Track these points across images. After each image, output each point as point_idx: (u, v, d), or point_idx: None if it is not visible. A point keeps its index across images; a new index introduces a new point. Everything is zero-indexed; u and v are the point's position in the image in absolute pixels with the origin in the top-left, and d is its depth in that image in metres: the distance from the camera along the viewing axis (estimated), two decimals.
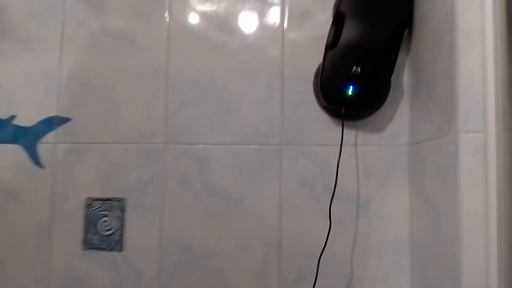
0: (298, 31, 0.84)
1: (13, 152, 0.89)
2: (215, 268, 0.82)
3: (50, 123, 0.88)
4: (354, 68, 0.73)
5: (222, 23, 0.86)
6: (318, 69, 0.79)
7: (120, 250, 0.84)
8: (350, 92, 0.73)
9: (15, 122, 0.90)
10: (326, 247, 0.76)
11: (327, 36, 0.77)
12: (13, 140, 0.90)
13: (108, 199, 0.85)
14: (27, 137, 0.89)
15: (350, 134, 0.79)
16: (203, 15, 0.87)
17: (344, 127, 0.77)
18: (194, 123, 0.85)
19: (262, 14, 0.85)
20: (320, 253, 0.76)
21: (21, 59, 0.91)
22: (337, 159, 0.76)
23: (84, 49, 0.89)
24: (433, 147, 0.64)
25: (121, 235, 0.84)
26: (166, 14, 0.87)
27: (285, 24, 0.84)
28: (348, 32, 0.74)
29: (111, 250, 0.84)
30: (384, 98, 0.77)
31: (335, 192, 0.78)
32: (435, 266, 0.63)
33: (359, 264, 0.78)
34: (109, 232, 0.85)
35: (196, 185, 0.84)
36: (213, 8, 0.87)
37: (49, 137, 0.88)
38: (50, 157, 0.88)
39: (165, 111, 0.86)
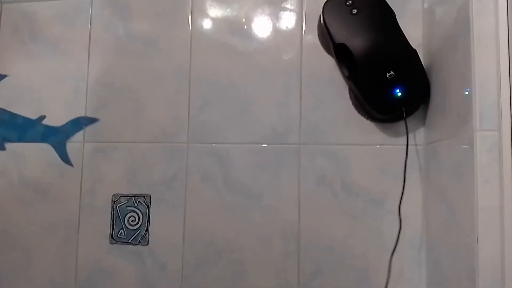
0: (315, 34, 0.87)
1: (42, 151, 0.94)
2: (236, 261, 0.85)
3: (79, 123, 0.93)
4: (387, 74, 0.75)
5: (241, 27, 0.90)
6: (354, 97, 0.82)
7: (146, 244, 0.88)
8: (399, 93, 0.76)
9: (45, 122, 0.95)
10: (343, 241, 0.80)
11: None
12: (43, 139, 0.94)
13: (134, 195, 0.89)
14: (56, 137, 0.93)
15: (369, 134, 0.83)
16: (223, 19, 0.91)
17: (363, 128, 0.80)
18: (215, 123, 0.89)
19: (280, 19, 0.89)
20: (336, 247, 0.80)
21: (50, 61, 0.96)
22: (363, 157, 0.79)
23: (111, 52, 0.94)
24: (449, 146, 0.67)
25: (147, 230, 0.88)
26: (189, 18, 0.91)
27: (303, 28, 0.87)
28: (358, 52, 0.76)
29: (137, 244, 0.88)
30: (428, 87, 0.78)
31: (352, 189, 0.82)
32: (451, 259, 0.65)
33: (375, 259, 0.81)
34: (135, 227, 0.89)
35: (217, 182, 0.87)
36: (233, 13, 0.90)
37: (78, 136, 0.93)
38: (79, 156, 0.92)
39: (187, 112, 0.90)
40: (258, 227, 0.85)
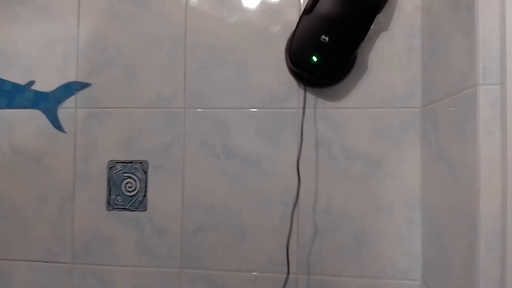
0: None
1: (33, 117, 0.91)
2: (235, 225, 0.86)
3: (70, 88, 0.90)
4: (322, 36, 0.76)
5: None
6: (291, 33, 0.82)
7: (144, 210, 0.87)
8: (315, 59, 0.77)
9: (34, 87, 0.91)
10: (341, 204, 0.82)
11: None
12: (33, 105, 0.91)
13: (130, 162, 0.88)
14: (47, 102, 0.90)
15: (364, 96, 0.83)
16: None
17: (356, 90, 0.80)
18: (212, 88, 0.87)
19: None
20: (336, 210, 0.81)
21: (38, 25, 0.92)
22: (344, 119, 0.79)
23: (102, 15, 0.90)
24: (450, 103, 0.68)
25: (144, 196, 0.87)
26: None
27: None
28: (325, 2, 0.77)
29: (134, 210, 0.88)
30: (346, 71, 0.81)
31: (351, 152, 0.82)
32: (450, 215, 0.67)
33: (373, 219, 0.82)
34: (133, 193, 0.88)
35: (215, 147, 0.87)
36: None
37: (70, 102, 0.90)
38: (71, 122, 0.90)
39: (184, 76, 0.88)
40: (256, 192, 0.85)
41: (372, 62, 0.83)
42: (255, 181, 0.85)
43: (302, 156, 0.84)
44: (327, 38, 0.76)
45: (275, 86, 0.85)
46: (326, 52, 0.77)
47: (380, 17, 0.83)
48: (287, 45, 0.83)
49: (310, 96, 0.84)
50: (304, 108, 0.82)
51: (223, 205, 0.86)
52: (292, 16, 0.85)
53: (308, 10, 0.78)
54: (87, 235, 0.89)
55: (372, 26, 0.81)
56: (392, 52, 0.83)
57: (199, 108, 0.88)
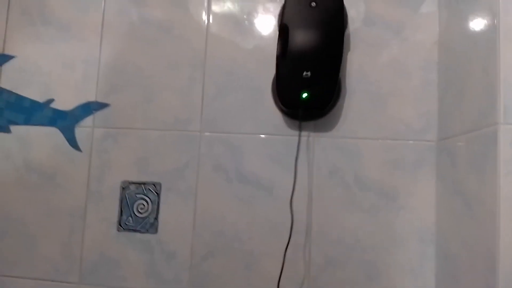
0: None
1: (50, 135, 0.92)
2: (245, 251, 0.85)
3: (89, 108, 0.91)
4: (304, 73, 0.79)
5: (257, 16, 0.90)
6: (273, 79, 0.85)
7: (154, 233, 0.87)
8: (305, 95, 0.79)
9: (53, 105, 0.93)
10: (354, 234, 0.81)
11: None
12: (51, 123, 0.92)
13: (144, 183, 0.88)
14: (65, 121, 0.92)
15: (379, 128, 0.83)
16: (241, 8, 0.90)
17: (372, 121, 0.81)
18: (229, 112, 0.88)
19: None
20: (348, 241, 0.80)
21: (60, 44, 0.94)
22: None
23: (123, 37, 0.92)
24: (467, 140, 0.68)
25: (156, 218, 0.87)
26: (205, 5, 0.91)
27: None
28: (294, 41, 0.81)
29: (145, 232, 0.87)
30: (337, 96, 0.83)
31: (364, 182, 0.82)
32: (466, 252, 0.66)
33: (385, 252, 0.81)
34: (144, 215, 0.87)
35: (229, 171, 0.87)
36: (250, 2, 0.90)
37: (87, 121, 0.91)
38: (88, 141, 0.91)
39: (201, 100, 0.89)
40: (268, 218, 0.85)
41: (387, 94, 0.84)
42: (266, 207, 0.85)
43: (315, 185, 0.84)
44: (309, 73, 0.79)
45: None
46: (313, 85, 0.80)
47: (394, 50, 0.85)
48: (273, 89, 0.86)
49: (324, 125, 0.85)
50: (299, 143, 0.83)
51: (234, 231, 0.85)
52: None
53: (282, 54, 0.82)
54: (96, 255, 0.88)
55: (386, 59, 0.83)
56: (408, 85, 0.84)
57: (215, 132, 0.88)
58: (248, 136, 0.87)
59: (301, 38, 0.81)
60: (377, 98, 0.84)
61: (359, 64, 0.86)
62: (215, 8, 0.91)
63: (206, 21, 0.91)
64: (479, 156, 0.63)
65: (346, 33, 0.84)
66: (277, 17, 0.88)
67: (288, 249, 0.82)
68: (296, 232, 0.83)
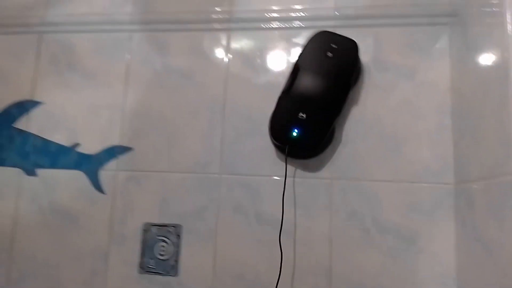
0: None
1: (75, 178, 0.96)
2: None
3: (113, 152, 0.95)
4: (300, 114, 0.83)
5: (273, 64, 0.94)
6: (272, 111, 0.88)
7: (175, 275, 0.88)
8: (294, 134, 0.83)
9: (79, 149, 0.97)
10: (374, 277, 0.81)
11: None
12: (76, 166, 0.96)
13: (165, 225, 0.90)
14: (90, 164, 0.95)
15: (396, 170, 0.85)
16: (258, 57, 0.94)
17: (389, 164, 0.83)
18: (246, 156, 0.91)
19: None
20: (369, 284, 0.80)
21: (86, 91, 0.99)
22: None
23: (147, 84, 0.97)
24: (485, 186, 0.69)
25: (176, 260, 0.88)
26: (224, 55, 0.96)
27: None
28: (300, 82, 0.85)
29: (166, 274, 0.88)
30: (325, 143, 0.86)
31: (383, 225, 0.83)
32: None
33: None
34: (165, 257, 0.89)
35: (248, 214, 0.89)
36: (268, 51, 0.95)
37: (111, 164, 0.95)
38: (111, 184, 0.94)
39: (220, 143, 0.92)
40: (289, 261, 0.85)
41: (403, 137, 0.86)
42: (288, 250, 0.86)
43: (334, 226, 0.85)
44: (304, 115, 0.83)
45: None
46: (305, 128, 0.83)
47: (408, 94, 0.87)
48: (269, 122, 0.89)
49: (343, 167, 0.87)
50: (285, 178, 0.85)
51: (254, 275, 0.86)
52: None
53: (286, 91, 0.86)
54: None
55: (400, 103, 0.86)
56: (423, 128, 0.86)
57: (234, 174, 0.91)
58: (266, 178, 0.89)
59: (307, 81, 0.85)
60: (393, 141, 0.86)
61: (374, 108, 0.88)
62: (233, 56, 0.95)
63: (225, 68, 0.95)
64: (498, 204, 0.64)
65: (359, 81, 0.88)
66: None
67: None
68: (317, 275, 0.84)
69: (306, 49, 0.88)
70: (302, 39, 0.92)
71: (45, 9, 1.05)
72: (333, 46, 0.86)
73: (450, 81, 0.86)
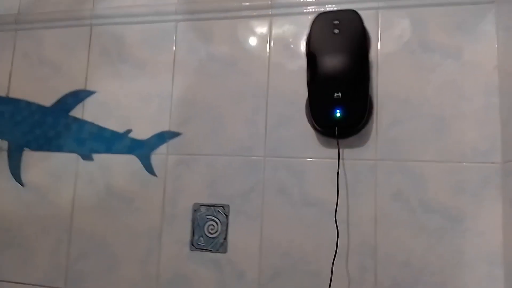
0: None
1: (128, 162, 1.02)
2: (312, 272, 0.88)
3: (163, 137, 1.00)
4: (335, 94, 0.85)
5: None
6: (306, 103, 0.91)
7: (224, 252, 0.93)
8: (338, 114, 0.86)
9: (131, 135, 1.03)
10: (421, 256, 0.83)
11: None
12: (129, 151, 1.02)
13: (213, 205, 0.95)
14: (142, 149, 1.01)
15: (442, 150, 0.85)
16: (299, 44, 0.96)
17: (435, 144, 0.84)
18: (289, 139, 0.94)
19: None
20: (416, 264, 0.82)
21: (137, 80, 1.05)
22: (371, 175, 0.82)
23: (193, 73, 1.01)
24: None
25: (225, 239, 0.93)
26: (267, 42, 0.98)
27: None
28: (322, 66, 0.88)
29: (215, 251, 0.93)
30: (369, 112, 0.88)
31: (429, 205, 0.84)
32: None
33: (453, 275, 0.82)
34: (214, 235, 0.94)
35: (293, 195, 0.92)
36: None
37: (162, 149, 1.00)
38: (162, 167, 0.99)
39: (265, 127, 0.95)
40: (334, 241, 0.87)
41: (450, 117, 0.86)
42: (331, 229, 0.88)
43: (379, 207, 0.86)
44: (339, 94, 0.85)
45: (352, 137, 0.90)
46: (345, 105, 0.86)
47: (454, 74, 0.87)
48: (307, 113, 0.92)
49: (388, 148, 0.88)
50: (338, 159, 0.87)
51: (301, 252, 0.89)
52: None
53: (312, 80, 0.89)
54: (170, 273, 0.95)
55: (447, 83, 0.85)
56: (470, 108, 0.85)
57: (278, 157, 0.94)
58: (309, 161, 0.92)
59: (327, 63, 0.88)
60: (439, 121, 0.87)
61: (419, 89, 0.89)
62: (275, 41, 0.98)
63: (267, 54, 0.98)
64: None
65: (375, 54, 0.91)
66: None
67: (355, 272, 0.85)
68: (363, 254, 0.86)
69: (312, 36, 0.91)
70: None
71: (94, 3, 1.10)
72: (336, 22, 0.88)
73: (497, 60, 0.85)
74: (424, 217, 0.84)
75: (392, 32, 0.92)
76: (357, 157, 0.89)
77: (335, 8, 0.94)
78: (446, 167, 0.85)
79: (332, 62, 0.87)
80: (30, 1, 1.14)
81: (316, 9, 0.95)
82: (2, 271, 1.05)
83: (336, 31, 0.88)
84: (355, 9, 0.90)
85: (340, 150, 0.89)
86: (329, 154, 0.91)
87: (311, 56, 0.89)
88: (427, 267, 0.83)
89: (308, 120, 0.92)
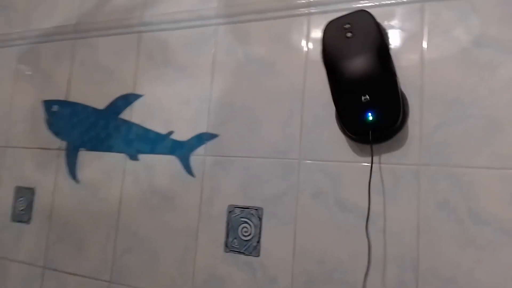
0: None
1: (170, 162, 1.05)
2: (348, 283, 0.84)
3: (201, 139, 1.02)
4: (362, 97, 0.80)
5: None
6: (335, 114, 0.87)
7: (257, 256, 0.92)
8: (370, 118, 0.80)
9: (173, 137, 1.06)
10: (468, 272, 0.74)
11: None
12: (171, 152, 1.06)
13: (247, 207, 0.94)
14: (182, 150, 1.04)
15: (495, 156, 0.76)
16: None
17: (486, 149, 0.74)
18: (325, 142, 0.90)
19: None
20: (462, 280, 0.74)
21: (178, 83, 1.08)
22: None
23: (231, 75, 1.02)
24: None
25: (258, 242, 0.92)
26: (304, 44, 0.96)
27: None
28: (343, 73, 0.83)
29: (249, 254, 0.93)
30: (404, 110, 0.81)
31: (480, 216, 0.75)
32: None
33: None
34: (248, 238, 0.93)
35: (328, 200, 0.88)
36: None
37: (200, 150, 1.02)
38: (200, 168, 1.01)
39: (300, 130, 0.93)
40: (373, 252, 0.83)
41: (505, 119, 0.77)
42: (371, 239, 0.83)
43: (422, 216, 0.80)
44: (367, 96, 0.80)
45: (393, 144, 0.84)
46: (375, 107, 0.80)
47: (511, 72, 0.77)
48: (338, 122, 0.88)
49: (433, 152, 0.81)
50: (371, 164, 0.82)
51: (336, 260, 0.85)
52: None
53: (335, 90, 0.85)
54: (205, 273, 0.97)
55: (502, 82, 0.76)
56: None
57: (313, 160, 0.91)
58: (346, 164, 0.88)
59: (348, 68, 0.83)
60: (494, 124, 0.78)
61: (470, 88, 0.80)
62: (313, 42, 0.95)
63: (305, 55, 0.95)
64: None
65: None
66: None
67: (393, 286, 0.79)
68: (402, 267, 0.80)
69: (326, 45, 0.86)
70: (393, 19, 0.88)
71: (142, 11, 1.16)
72: (347, 26, 0.84)
73: None
74: (473, 229, 0.76)
75: (440, 26, 0.84)
76: (397, 162, 0.83)
77: (373, 4, 0.89)
78: (499, 174, 0.75)
79: (352, 65, 0.82)
80: (87, 11, 1.24)
81: (354, 5, 0.91)
82: (58, 261, 1.15)
83: (349, 34, 0.83)
84: (399, 2, 0.85)
85: (377, 155, 0.84)
86: (367, 158, 0.86)
87: (330, 65, 0.86)
88: (474, 285, 0.74)
89: (340, 129, 0.88)
